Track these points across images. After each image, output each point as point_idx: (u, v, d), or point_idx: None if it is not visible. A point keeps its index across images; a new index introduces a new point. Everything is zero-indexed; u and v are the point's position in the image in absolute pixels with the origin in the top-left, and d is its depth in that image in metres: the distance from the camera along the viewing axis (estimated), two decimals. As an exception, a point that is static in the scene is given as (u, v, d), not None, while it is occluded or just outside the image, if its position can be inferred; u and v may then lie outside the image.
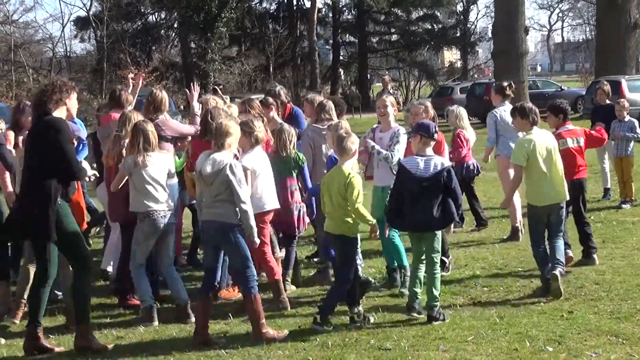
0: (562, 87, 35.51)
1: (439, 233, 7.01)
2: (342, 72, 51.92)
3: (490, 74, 49.95)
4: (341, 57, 52.23)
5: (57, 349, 6.60)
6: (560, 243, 7.73)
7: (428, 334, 6.50)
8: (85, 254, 6.65)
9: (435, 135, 7.15)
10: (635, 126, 11.94)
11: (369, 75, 52.32)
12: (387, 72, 41.27)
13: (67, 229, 6.45)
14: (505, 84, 10.50)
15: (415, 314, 6.89)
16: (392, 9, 49.32)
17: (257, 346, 6.42)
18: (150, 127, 7.33)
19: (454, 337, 6.40)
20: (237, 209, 6.50)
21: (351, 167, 6.88)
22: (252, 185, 7.26)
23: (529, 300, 7.37)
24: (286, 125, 8.43)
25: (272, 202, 7.58)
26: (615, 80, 24.40)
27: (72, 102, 6.66)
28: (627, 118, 12.04)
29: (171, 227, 7.49)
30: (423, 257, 7.00)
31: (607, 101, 12.69)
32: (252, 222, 6.56)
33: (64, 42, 45.09)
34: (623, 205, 11.90)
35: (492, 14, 39.08)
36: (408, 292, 7.16)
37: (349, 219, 6.77)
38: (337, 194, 6.75)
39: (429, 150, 7.01)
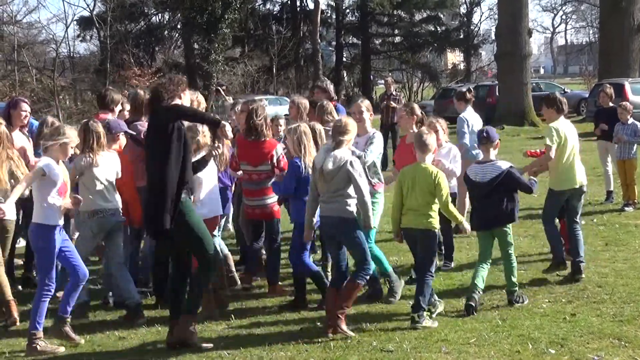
0: (565, 90, 35.48)
1: (509, 229, 7.44)
2: (345, 74, 51.93)
3: (493, 76, 49.97)
4: (344, 59, 52.24)
5: (207, 345, 6.52)
6: (580, 233, 8.35)
7: (430, 335, 6.50)
8: (210, 253, 6.59)
9: (488, 139, 7.45)
10: (638, 129, 11.92)
11: (372, 77, 52.35)
12: (390, 74, 41.21)
13: (192, 225, 6.48)
14: (465, 89, 11.05)
15: (472, 303, 7.11)
16: (396, 10, 49.34)
17: (259, 347, 6.42)
18: (100, 128, 7.40)
19: (456, 339, 6.40)
20: (357, 200, 6.72)
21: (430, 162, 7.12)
22: (197, 192, 7.28)
23: (531, 303, 7.37)
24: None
25: (215, 209, 7.55)
26: (619, 83, 24.37)
27: (186, 98, 6.73)
28: (631, 121, 12.02)
29: (119, 226, 7.55)
30: (488, 256, 7.47)
31: (610, 104, 12.68)
32: (371, 213, 6.81)
33: (67, 42, 45.08)
34: (626, 208, 11.89)
35: (496, 16, 39.20)
36: (470, 287, 7.30)
37: (432, 214, 6.96)
38: (426, 190, 6.94)
39: (492, 154, 7.44)
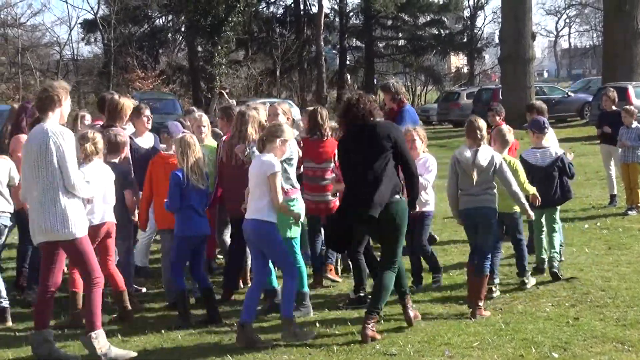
0: (569, 93, 35.44)
1: (557, 208, 8.54)
2: (348, 77, 51.90)
3: (496, 80, 50.00)
4: (348, 62, 52.23)
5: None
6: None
7: (433, 339, 6.50)
8: (398, 256, 6.81)
9: (546, 130, 8.62)
10: (642, 133, 11.90)
11: (375, 80, 52.33)
12: (393, 77, 41.24)
13: (400, 225, 6.69)
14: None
15: (556, 270, 8.17)
16: (400, 14, 49.34)
17: (262, 350, 6.43)
18: None
19: (460, 342, 6.39)
20: (508, 192, 7.40)
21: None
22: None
23: (534, 307, 7.37)
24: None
25: (107, 216, 7.35)
26: (622, 87, 24.34)
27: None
28: (634, 124, 11.98)
29: (3, 231, 7.69)
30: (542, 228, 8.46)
31: (613, 107, 12.66)
32: (524, 200, 7.52)
33: (71, 45, 45.19)
34: (629, 212, 11.87)
35: (500, 20, 39.10)
36: (535, 258, 8.55)
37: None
38: None
39: (545, 142, 8.59)
